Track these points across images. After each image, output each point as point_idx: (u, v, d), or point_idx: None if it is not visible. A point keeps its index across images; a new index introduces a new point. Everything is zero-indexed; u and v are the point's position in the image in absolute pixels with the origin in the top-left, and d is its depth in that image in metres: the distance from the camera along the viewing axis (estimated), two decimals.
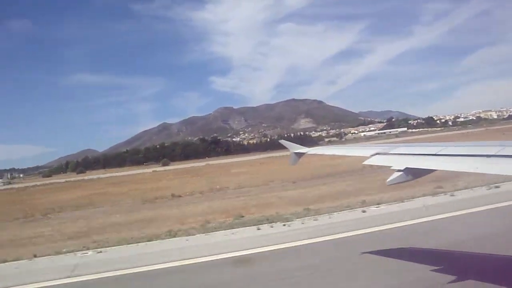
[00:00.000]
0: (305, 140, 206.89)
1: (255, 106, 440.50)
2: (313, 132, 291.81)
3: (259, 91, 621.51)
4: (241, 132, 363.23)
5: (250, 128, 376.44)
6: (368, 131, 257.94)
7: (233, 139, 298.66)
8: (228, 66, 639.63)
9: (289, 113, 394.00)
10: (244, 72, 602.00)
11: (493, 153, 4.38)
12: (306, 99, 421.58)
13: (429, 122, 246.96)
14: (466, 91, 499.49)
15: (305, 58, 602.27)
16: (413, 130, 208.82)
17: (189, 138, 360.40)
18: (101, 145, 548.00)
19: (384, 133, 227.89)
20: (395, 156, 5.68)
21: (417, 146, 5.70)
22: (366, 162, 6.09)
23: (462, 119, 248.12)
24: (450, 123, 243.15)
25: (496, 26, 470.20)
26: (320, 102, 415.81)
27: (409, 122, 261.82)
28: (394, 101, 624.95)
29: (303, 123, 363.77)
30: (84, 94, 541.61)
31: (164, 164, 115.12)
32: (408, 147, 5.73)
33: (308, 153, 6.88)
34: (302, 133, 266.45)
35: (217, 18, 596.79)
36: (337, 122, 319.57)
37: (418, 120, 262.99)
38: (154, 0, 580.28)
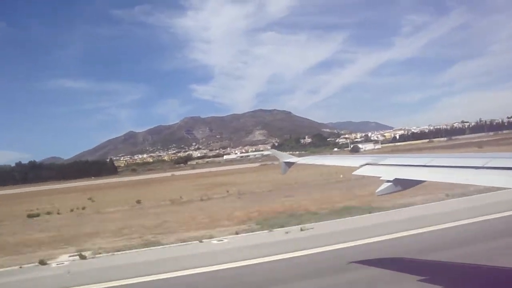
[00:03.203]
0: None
1: (223, 116, 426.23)
2: (263, 145, 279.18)
3: (240, 99, 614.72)
4: (193, 143, 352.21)
5: (204, 139, 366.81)
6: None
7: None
8: (209, 74, 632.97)
9: (249, 125, 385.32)
10: (226, 81, 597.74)
11: (481, 165, 4.48)
12: (274, 110, 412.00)
13: (316, 143, 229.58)
14: (446, 103, 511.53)
15: (287, 67, 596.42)
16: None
17: (149, 148, 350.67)
18: (68, 152, 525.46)
19: (248, 156, 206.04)
20: (385, 167, 5.70)
21: (407, 157, 5.77)
22: (355, 172, 6.10)
23: (360, 139, 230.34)
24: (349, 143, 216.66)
25: (475, 39, 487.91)
26: (288, 113, 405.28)
27: (301, 141, 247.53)
28: (373, 112, 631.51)
29: (257, 135, 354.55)
30: (58, 100, 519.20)
31: None
32: (398, 158, 5.79)
33: (298, 162, 6.88)
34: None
35: (198, 26, 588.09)
36: (292, 134, 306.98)
37: (310, 140, 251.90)
38: (135, 6, 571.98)
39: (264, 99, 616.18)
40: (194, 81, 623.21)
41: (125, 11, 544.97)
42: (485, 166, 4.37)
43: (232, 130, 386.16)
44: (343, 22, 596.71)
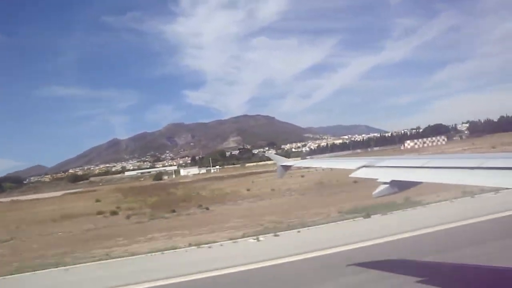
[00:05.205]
0: None
1: (207, 122, 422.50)
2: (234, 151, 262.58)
3: (232, 105, 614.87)
4: (167, 151, 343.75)
5: (178, 147, 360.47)
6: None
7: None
8: (202, 79, 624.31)
9: (228, 131, 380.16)
10: (218, 86, 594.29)
11: (476, 166, 4.64)
12: (257, 115, 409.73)
13: (238, 157, 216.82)
14: (438, 104, 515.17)
15: (279, 72, 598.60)
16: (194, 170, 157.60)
17: (125, 156, 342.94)
18: (52, 160, 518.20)
19: (149, 172, 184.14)
20: (382, 169, 5.81)
21: (403, 159, 5.91)
22: (352, 175, 6.19)
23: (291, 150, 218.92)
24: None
25: (466, 41, 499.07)
26: (271, 118, 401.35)
27: (226, 154, 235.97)
28: (363, 115, 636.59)
29: (231, 142, 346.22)
30: (47, 107, 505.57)
31: None
32: (395, 160, 5.92)
33: (295, 165, 6.97)
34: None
35: (189, 32, 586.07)
36: (266, 141, 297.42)
37: (233, 152, 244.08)
38: (126, 13, 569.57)
39: (256, 104, 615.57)
40: (186, 87, 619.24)
41: (117, 18, 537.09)
42: (480, 166, 4.51)
43: (213, 136, 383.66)
44: (333, 27, 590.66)
